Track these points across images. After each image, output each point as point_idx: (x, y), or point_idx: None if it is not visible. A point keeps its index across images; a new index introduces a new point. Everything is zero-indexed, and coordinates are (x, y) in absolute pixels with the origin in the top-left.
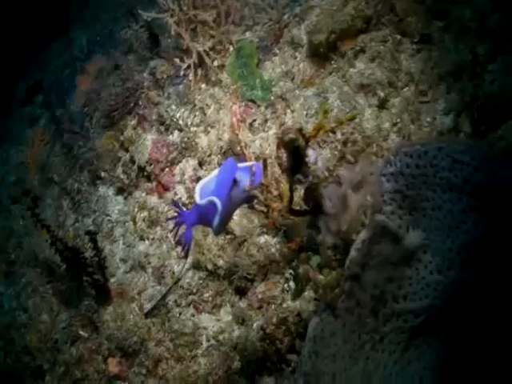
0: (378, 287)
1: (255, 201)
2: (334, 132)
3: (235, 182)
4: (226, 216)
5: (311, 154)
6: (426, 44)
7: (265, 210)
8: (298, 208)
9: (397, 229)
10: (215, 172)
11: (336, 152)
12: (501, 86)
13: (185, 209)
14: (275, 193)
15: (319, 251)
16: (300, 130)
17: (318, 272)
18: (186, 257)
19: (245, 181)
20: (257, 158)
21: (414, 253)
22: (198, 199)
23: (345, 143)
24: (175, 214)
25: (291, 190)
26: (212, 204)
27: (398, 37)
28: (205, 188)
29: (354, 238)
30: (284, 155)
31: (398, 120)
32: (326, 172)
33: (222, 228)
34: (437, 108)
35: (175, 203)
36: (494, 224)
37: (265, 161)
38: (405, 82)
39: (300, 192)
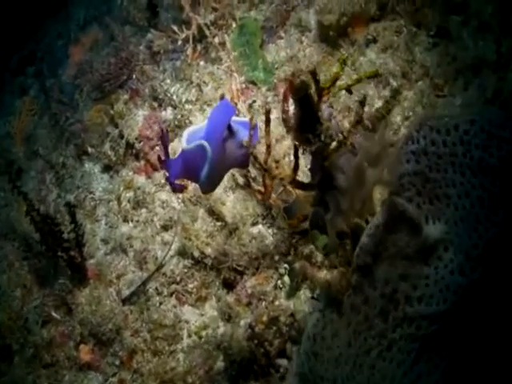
0: (389, 284)
1: (251, 165)
2: (350, 91)
3: (231, 131)
4: (217, 170)
5: (325, 109)
6: (442, 38)
7: (262, 189)
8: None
9: (417, 216)
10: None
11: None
12: None
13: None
14: (277, 156)
15: (326, 231)
16: (314, 74)
17: (323, 256)
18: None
19: (242, 134)
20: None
21: (433, 248)
22: (184, 144)
23: (362, 104)
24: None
25: (296, 155)
26: (200, 149)
27: (414, 28)
28: (194, 134)
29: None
30: (291, 108)
31: (411, 113)
32: (341, 134)
33: (211, 185)
34: (454, 102)
35: (164, 136)
36: None
37: (267, 113)
38: (419, 74)
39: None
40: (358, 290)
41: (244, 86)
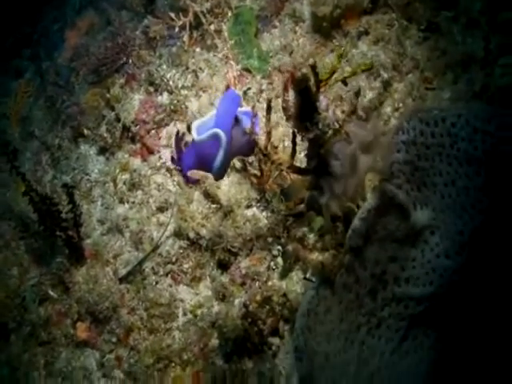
0: (379, 265)
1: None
2: (345, 83)
3: (236, 120)
4: (227, 158)
5: (322, 100)
6: (433, 33)
7: (258, 173)
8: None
9: (406, 201)
10: (213, 112)
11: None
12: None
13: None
14: (277, 143)
15: (322, 213)
16: (314, 68)
17: (318, 238)
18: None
19: (245, 122)
20: None
21: (420, 232)
22: (195, 136)
23: (357, 95)
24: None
25: (294, 141)
26: (214, 138)
27: (405, 22)
28: (203, 126)
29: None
30: (291, 98)
31: (401, 105)
32: (337, 123)
33: (223, 172)
34: (443, 96)
35: (178, 137)
36: None
37: (269, 102)
38: (409, 67)
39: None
40: (349, 270)
41: (239, 73)
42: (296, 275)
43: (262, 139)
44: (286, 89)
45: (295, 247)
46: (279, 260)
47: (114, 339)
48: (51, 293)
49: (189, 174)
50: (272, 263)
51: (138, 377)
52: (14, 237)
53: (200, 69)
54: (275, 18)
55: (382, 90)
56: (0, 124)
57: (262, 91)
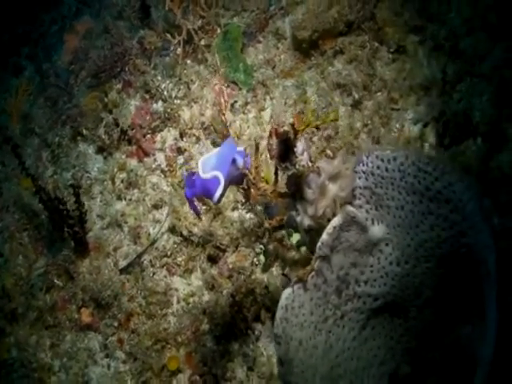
0: (343, 269)
1: (245, 181)
2: (318, 128)
3: (233, 160)
4: (225, 189)
5: (299, 146)
6: (401, 55)
7: (246, 187)
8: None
9: (364, 220)
10: (215, 150)
11: (318, 146)
12: (466, 106)
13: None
14: (263, 174)
15: (298, 229)
16: (292, 125)
17: (296, 249)
18: (198, 217)
19: (239, 160)
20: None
21: (376, 244)
22: (201, 173)
23: (327, 139)
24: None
25: (276, 174)
26: (215, 178)
27: (376, 44)
28: (206, 163)
29: (327, 223)
30: (275, 144)
31: (369, 122)
32: (310, 163)
33: (221, 199)
34: (406, 117)
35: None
36: (447, 226)
37: (257, 145)
38: (378, 87)
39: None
40: (319, 273)
41: (227, 85)
42: (276, 270)
43: (251, 172)
44: (270, 136)
45: (275, 246)
46: (261, 257)
47: (115, 323)
48: (57, 282)
49: (194, 203)
50: (255, 259)
51: (138, 357)
52: (18, 229)
53: (191, 80)
54: (260, 34)
55: (354, 107)
56: (0, 120)
57: (247, 104)
